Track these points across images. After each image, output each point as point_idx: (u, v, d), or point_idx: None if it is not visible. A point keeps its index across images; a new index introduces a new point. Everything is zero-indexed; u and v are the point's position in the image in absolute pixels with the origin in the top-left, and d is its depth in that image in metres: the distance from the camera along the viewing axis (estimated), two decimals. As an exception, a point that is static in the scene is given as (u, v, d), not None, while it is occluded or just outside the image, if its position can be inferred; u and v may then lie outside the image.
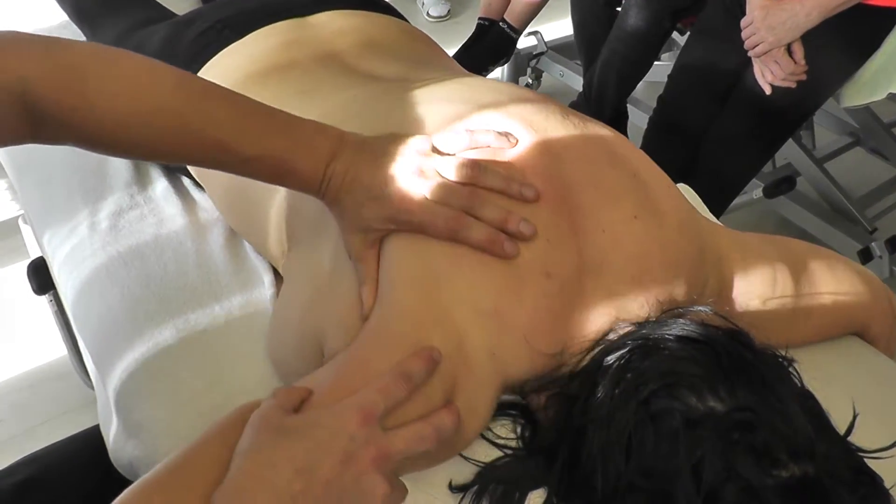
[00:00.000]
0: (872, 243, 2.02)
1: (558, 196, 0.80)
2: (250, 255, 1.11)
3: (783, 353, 0.74)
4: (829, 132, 2.43)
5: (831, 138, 2.42)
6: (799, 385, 0.72)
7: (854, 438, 0.69)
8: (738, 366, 0.69)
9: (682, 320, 0.73)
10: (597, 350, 0.75)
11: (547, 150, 0.83)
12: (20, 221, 1.89)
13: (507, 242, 0.75)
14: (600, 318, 0.77)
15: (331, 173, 0.77)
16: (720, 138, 1.90)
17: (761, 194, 2.12)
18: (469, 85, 0.97)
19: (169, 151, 0.78)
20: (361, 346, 0.72)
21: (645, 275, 0.79)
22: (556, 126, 0.86)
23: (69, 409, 1.80)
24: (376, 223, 0.77)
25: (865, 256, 2.00)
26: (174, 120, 0.74)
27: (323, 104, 0.98)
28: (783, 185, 2.09)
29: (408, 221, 0.76)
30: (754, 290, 0.90)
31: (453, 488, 0.75)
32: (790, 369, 0.73)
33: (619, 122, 2.35)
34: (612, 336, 0.76)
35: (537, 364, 0.76)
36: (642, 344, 0.72)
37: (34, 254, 1.81)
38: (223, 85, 0.87)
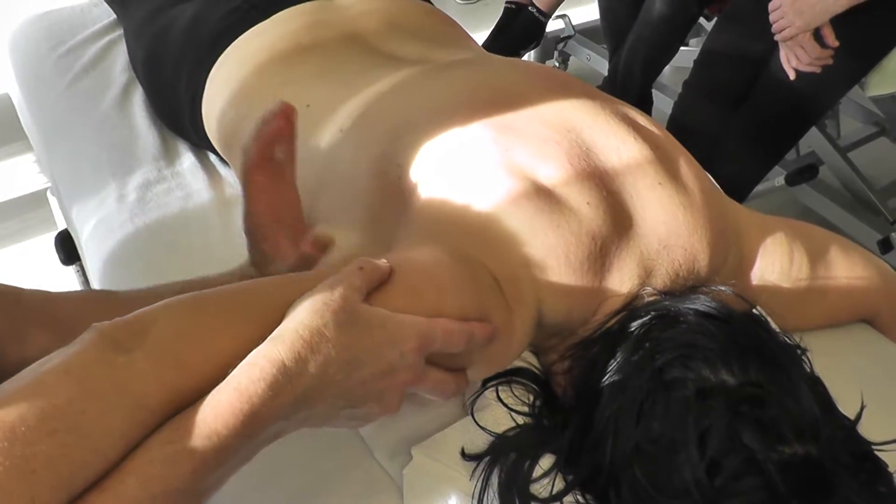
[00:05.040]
0: (893, 234, 2.00)
1: (586, 164, 0.82)
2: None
3: (797, 341, 0.76)
4: (853, 121, 2.41)
5: (856, 127, 2.40)
6: (809, 370, 0.74)
7: (861, 428, 0.71)
8: (752, 344, 0.71)
9: (703, 297, 0.76)
10: (622, 315, 0.77)
11: (569, 123, 0.85)
12: (48, 193, 1.93)
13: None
14: (630, 281, 0.80)
15: None
16: (744, 125, 1.89)
17: (783, 182, 2.11)
18: (491, 67, 0.99)
19: None
20: (440, 264, 0.74)
21: (671, 238, 0.82)
22: (577, 101, 0.89)
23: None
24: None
25: (885, 246, 1.99)
26: None
27: (346, 86, 1.00)
28: (805, 173, 2.08)
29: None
30: (772, 268, 0.92)
31: (466, 456, 0.77)
32: (803, 357, 0.75)
33: (644, 107, 2.34)
34: (638, 302, 0.78)
35: (571, 318, 0.79)
36: (664, 315, 0.74)
37: (62, 225, 1.85)
38: (249, 64, 0.89)
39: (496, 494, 0.74)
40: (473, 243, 0.77)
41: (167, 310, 0.61)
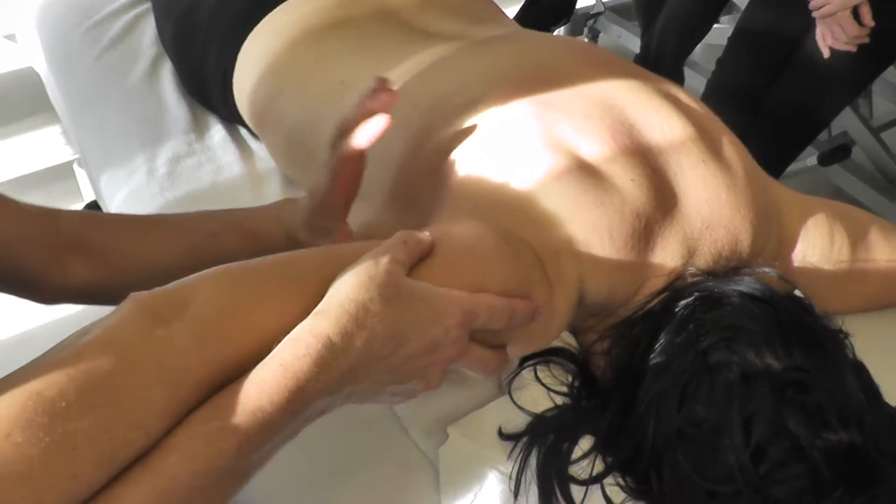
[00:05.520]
0: (925, 216, 1.98)
1: (629, 140, 0.80)
2: (306, 204, 1.12)
3: (839, 325, 0.75)
4: (887, 101, 2.37)
5: (889, 108, 2.36)
6: (852, 356, 0.73)
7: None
8: (797, 328, 0.70)
9: (748, 278, 0.74)
10: (665, 295, 0.76)
11: (611, 100, 0.84)
12: (75, 165, 1.93)
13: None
14: (673, 260, 0.78)
15: None
16: (777, 104, 1.86)
17: (815, 162, 2.08)
18: (530, 43, 0.97)
19: None
20: (482, 238, 0.73)
21: (714, 217, 0.80)
22: (619, 78, 0.87)
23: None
24: None
25: (916, 229, 1.96)
26: None
27: (380, 62, 0.99)
28: (838, 153, 2.06)
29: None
30: (812, 250, 0.91)
31: (503, 436, 0.77)
32: (845, 342, 0.74)
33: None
34: (681, 283, 0.77)
35: (613, 298, 0.78)
36: (708, 296, 0.73)
37: (88, 197, 1.85)
38: (281, 40, 0.88)
39: (534, 475, 0.74)
40: (515, 220, 0.75)
41: (207, 281, 0.60)
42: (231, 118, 1.24)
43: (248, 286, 0.61)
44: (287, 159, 1.13)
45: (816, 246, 0.91)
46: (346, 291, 0.60)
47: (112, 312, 0.56)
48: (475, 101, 0.85)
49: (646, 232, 0.77)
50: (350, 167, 0.80)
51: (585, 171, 0.77)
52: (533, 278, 0.73)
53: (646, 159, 0.79)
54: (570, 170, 0.77)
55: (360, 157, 0.79)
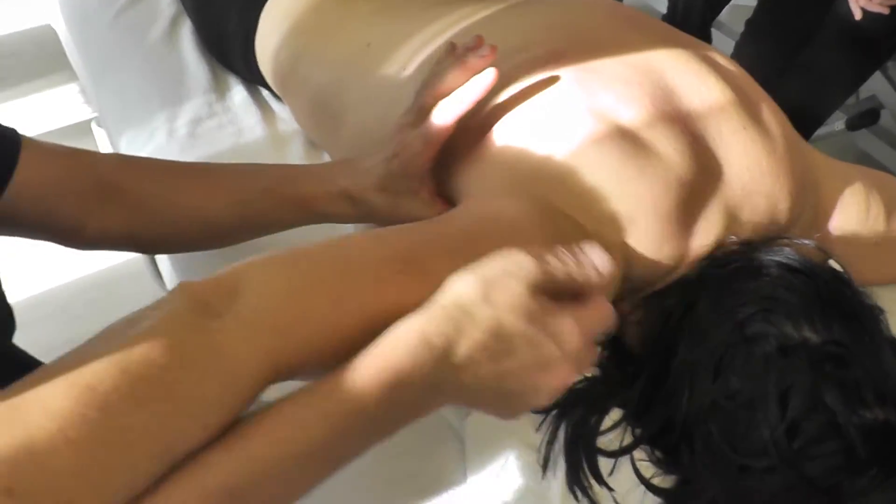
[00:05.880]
0: (955, 182, 1.94)
1: (670, 107, 0.78)
2: (329, 168, 1.11)
3: (874, 300, 0.73)
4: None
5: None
6: (888, 332, 0.71)
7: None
8: (836, 301, 0.68)
9: (787, 249, 0.72)
10: (702, 264, 0.74)
11: (650, 64, 0.81)
12: (93, 125, 1.92)
13: None
14: (715, 230, 0.76)
15: None
16: (807, 67, 1.83)
17: (843, 126, 2.05)
18: (566, 5, 0.94)
19: None
20: (525, 216, 0.69)
21: (754, 185, 0.78)
22: (658, 42, 0.85)
23: (142, 310, 1.84)
24: None
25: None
26: None
27: (409, 23, 0.97)
28: (866, 117, 2.02)
29: None
30: (849, 219, 0.89)
31: (532, 409, 0.76)
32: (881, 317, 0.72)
33: (702, 46, 2.27)
34: (720, 252, 0.75)
35: (657, 271, 0.75)
36: (746, 266, 0.71)
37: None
38: (305, 1, 0.86)
39: (562, 448, 0.73)
40: (557, 192, 0.73)
41: (258, 268, 0.57)
42: (253, 79, 1.22)
43: (300, 271, 0.58)
44: (311, 122, 1.11)
45: (853, 215, 0.89)
46: (463, 297, 0.56)
47: (160, 301, 0.54)
48: (513, 68, 0.82)
49: (689, 201, 0.74)
50: (448, 128, 0.77)
51: (628, 140, 0.74)
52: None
53: (686, 126, 0.77)
54: (612, 139, 0.74)
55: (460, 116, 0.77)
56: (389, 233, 0.66)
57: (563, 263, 0.58)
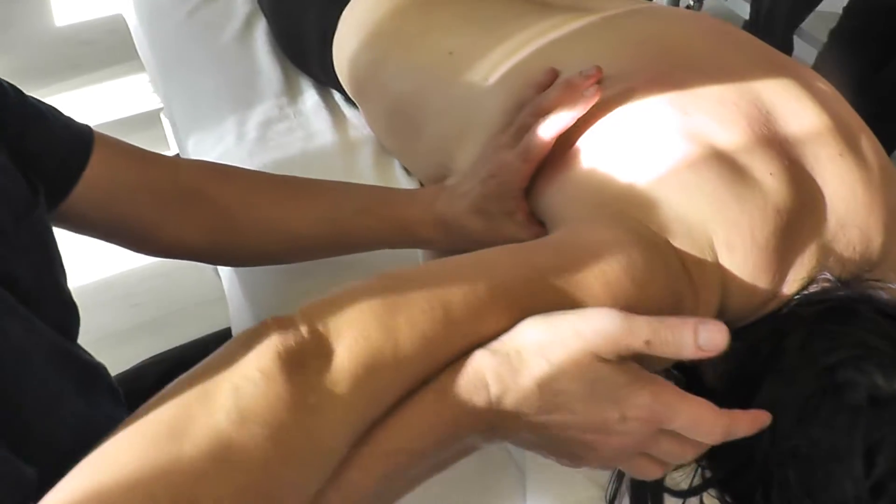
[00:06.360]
0: None
1: (767, 129, 0.73)
2: (399, 176, 1.09)
3: None
4: None
5: None
6: None
7: None
8: None
9: (881, 292, 0.68)
10: (795, 299, 0.70)
11: (745, 84, 0.77)
12: (162, 115, 1.93)
13: None
14: (810, 263, 0.71)
15: None
16: (890, 82, 1.75)
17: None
18: (658, 18, 0.90)
19: None
20: (632, 250, 0.63)
21: (849, 216, 0.73)
22: (754, 61, 0.81)
23: (202, 300, 1.86)
24: None
25: None
26: None
27: (491, 33, 0.94)
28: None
29: None
30: None
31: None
32: None
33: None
34: (813, 288, 0.71)
35: (751, 301, 0.71)
36: (839, 307, 0.67)
37: (174, 148, 1.86)
38: (386, 6, 0.84)
39: (628, 486, 0.70)
40: (654, 220, 0.68)
41: (353, 319, 0.52)
42: (327, 82, 1.20)
43: (396, 324, 0.52)
44: (388, 129, 1.08)
45: None
46: (526, 343, 0.55)
47: (248, 343, 0.48)
48: (602, 84, 0.79)
49: (787, 231, 0.70)
50: (547, 144, 0.74)
51: (725, 164, 0.70)
52: (680, 288, 0.66)
53: (783, 150, 0.72)
54: (708, 162, 0.70)
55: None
56: (488, 267, 0.61)
57: (653, 337, 0.55)
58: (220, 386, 0.46)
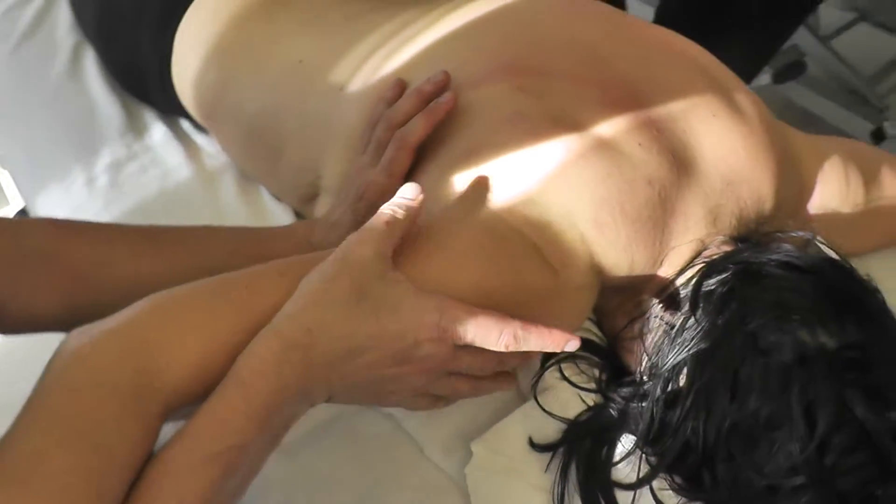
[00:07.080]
0: (885, 122, 1.95)
1: (629, 101, 0.72)
2: (267, 202, 1.02)
3: (871, 280, 0.69)
4: (832, 8, 2.32)
5: (835, 15, 2.32)
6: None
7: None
8: (845, 298, 0.64)
9: (785, 245, 0.68)
10: (699, 269, 0.69)
11: (602, 56, 0.76)
12: (-1, 168, 1.78)
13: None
14: (696, 226, 0.71)
15: None
16: (735, 19, 1.78)
17: (769, 80, 2.03)
18: (499, 3, 0.87)
19: None
20: (462, 230, 0.67)
21: (734, 174, 0.73)
22: (608, 30, 0.80)
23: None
24: None
25: (878, 137, 1.93)
26: None
27: (340, 35, 0.89)
28: (793, 69, 2.01)
29: None
30: (831, 195, 0.85)
31: (536, 447, 0.71)
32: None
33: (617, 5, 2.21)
34: (707, 252, 0.70)
35: (634, 273, 0.71)
36: (745, 269, 0.66)
37: (15, 204, 1.71)
38: (222, 18, 0.90)
39: (575, 486, 0.68)
40: (508, 206, 0.67)
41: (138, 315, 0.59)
42: (172, 110, 1.11)
43: (174, 314, 0.60)
44: (245, 154, 1.01)
45: (834, 189, 0.85)
46: (305, 297, 0.59)
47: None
48: (456, 81, 0.76)
49: (662, 199, 0.69)
50: (409, 154, 0.74)
51: (586, 143, 0.69)
52: (527, 270, 0.66)
53: (650, 120, 0.72)
54: (568, 144, 0.69)
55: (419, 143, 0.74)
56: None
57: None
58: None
